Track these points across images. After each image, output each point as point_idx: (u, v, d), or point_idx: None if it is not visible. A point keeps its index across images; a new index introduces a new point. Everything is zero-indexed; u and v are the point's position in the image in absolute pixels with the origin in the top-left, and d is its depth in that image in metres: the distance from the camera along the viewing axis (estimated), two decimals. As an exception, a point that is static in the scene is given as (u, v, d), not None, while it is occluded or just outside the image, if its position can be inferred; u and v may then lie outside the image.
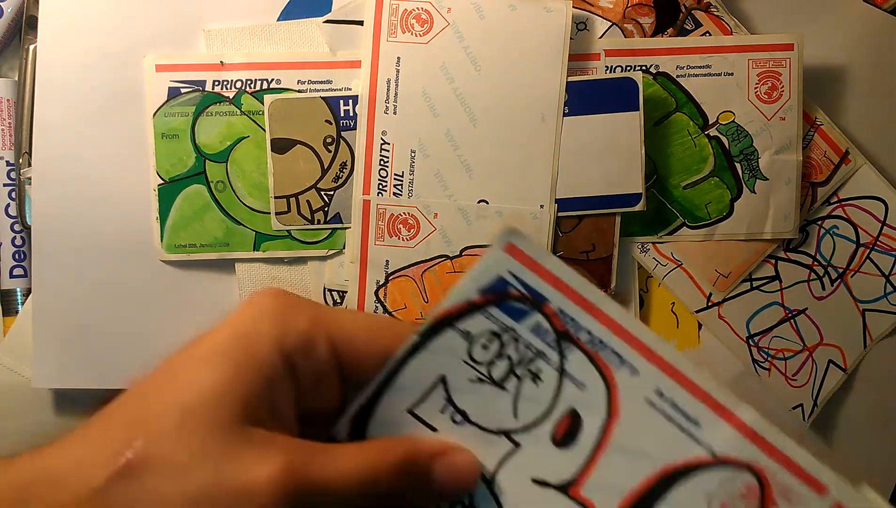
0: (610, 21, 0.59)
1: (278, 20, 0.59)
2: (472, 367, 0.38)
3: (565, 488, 0.38)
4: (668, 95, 0.59)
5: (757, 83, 0.59)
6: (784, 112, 0.59)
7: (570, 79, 0.56)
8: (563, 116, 0.56)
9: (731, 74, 0.59)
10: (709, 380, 0.37)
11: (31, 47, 0.58)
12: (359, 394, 0.37)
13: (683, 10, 0.60)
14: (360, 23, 0.57)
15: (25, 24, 0.59)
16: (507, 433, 0.38)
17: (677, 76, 0.59)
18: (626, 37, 0.60)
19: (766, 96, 0.59)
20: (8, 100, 0.59)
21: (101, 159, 0.58)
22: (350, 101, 0.56)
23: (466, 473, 0.37)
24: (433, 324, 0.37)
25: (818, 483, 0.36)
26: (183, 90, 0.57)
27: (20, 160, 0.59)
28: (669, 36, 0.60)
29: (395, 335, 0.37)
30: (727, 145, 0.59)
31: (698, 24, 0.60)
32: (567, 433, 0.38)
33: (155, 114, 0.57)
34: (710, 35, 0.60)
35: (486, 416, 0.38)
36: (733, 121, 0.59)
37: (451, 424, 0.38)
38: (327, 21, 0.57)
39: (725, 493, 0.36)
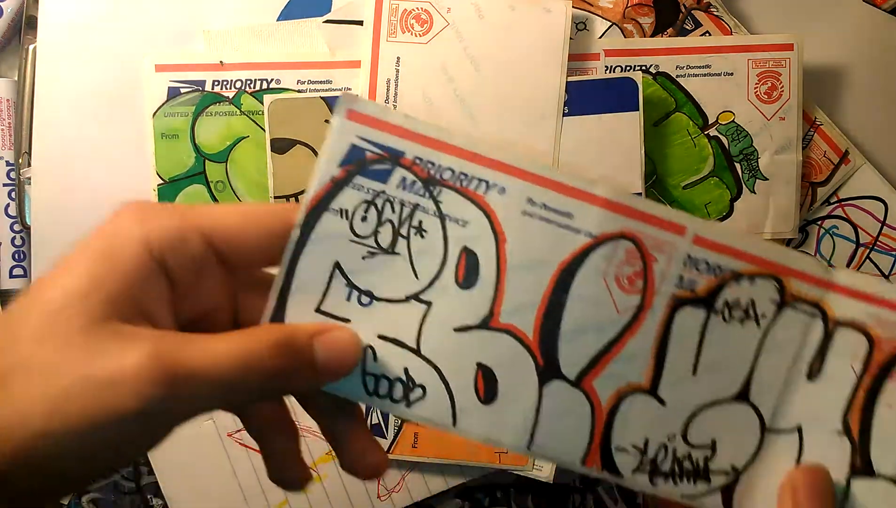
0: (610, 21, 0.59)
1: (278, 20, 0.59)
2: (359, 243, 0.39)
3: (486, 323, 0.39)
4: (667, 95, 0.59)
5: (757, 83, 0.59)
6: (784, 112, 0.58)
7: (570, 79, 0.56)
8: (563, 115, 0.56)
9: (731, 74, 0.59)
10: (562, 174, 0.39)
11: (31, 47, 0.58)
12: (265, 308, 0.38)
13: (683, 10, 0.60)
14: (360, 23, 0.57)
15: (25, 24, 0.59)
16: (415, 297, 0.39)
17: (677, 76, 0.59)
18: (625, 37, 0.60)
19: (765, 96, 0.58)
20: (8, 100, 0.59)
21: (100, 159, 0.58)
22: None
23: (347, 348, 0.37)
24: (308, 213, 0.38)
25: (677, 226, 0.40)
26: (182, 90, 0.57)
27: (20, 160, 0.59)
28: (669, 36, 0.60)
29: (274, 215, 0.37)
30: (727, 145, 0.59)
31: (698, 24, 0.60)
32: (468, 272, 0.39)
33: (154, 114, 0.57)
34: (710, 35, 0.60)
35: (389, 287, 0.39)
36: (733, 121, 0.59)
37: (361, 307, 0.39)
38: (327, 21, 0.58)
39: (613, 265, 0.40)
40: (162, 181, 0.57)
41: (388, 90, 0.56)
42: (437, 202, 0.39)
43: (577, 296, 0.40)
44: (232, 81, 0.57)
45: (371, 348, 0.39)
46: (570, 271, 0.40)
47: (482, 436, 0.40)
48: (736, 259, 0.40)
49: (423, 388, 0.39)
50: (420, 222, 0.39)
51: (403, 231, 0.39)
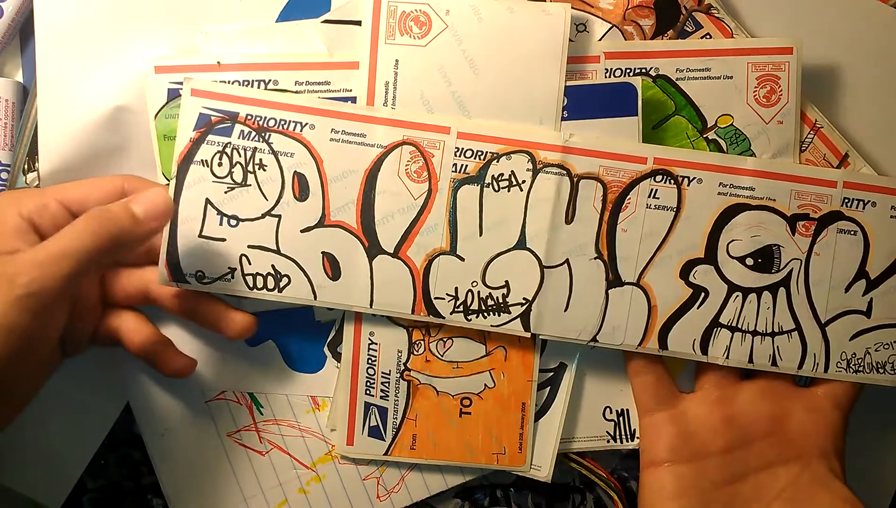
0: (610, 23, 0.59)
1: (277, 21, 0.59)
2: (220, 182, 0.55)
3: (322, 222, 0.55)
4: (667, 98, 0.58)
5: (756, 86, 0.58)
6: (782, 116, 0.58)
7: (569, 83, 0.56)
8: (562, 120, 0.56)
9: (731, 78, 0.58)
10: (351, 106, 0.55)
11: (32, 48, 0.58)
12: (161, 249, 0.54)
13: (684, 11, 0.60)
14: (359, 23, 0.57)
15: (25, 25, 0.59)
16: (268, 213, 0.55)
17: (677, 79, 0.58)
18: (626, 38, 0.59)
19: (764, 100, 0.58)
20: (7, 100, 0.59)
21: (103, 161, 0.58)
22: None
23: (156, 197, 0.50)
24: (178, 167, 0.54)
25: (442, 128, 0.54)
26: (182, 91, 0.57)
27: (24, 166, 0.59)
28: (670, 38, 0.60)
29: (108, 182, 0.54)
30: (725, 148, 0.59)
31: (699, 26, 0.60)
32: (301, 189, 0.55)
33: (156, 116, 0.57)
34: (711, 37, 0.60)
35: (249, 210, 0.55)
36: (732, 124, 0.58)
37: (231, 228, 0.55)
38: (325, 21, 0.57)
39: (403, 165, 0.55)
40: (168, 182, 0.57)
41: (386, 92, 0.56)
42: (269, 144, 0.54)
43: (382, 191, 0.55)
44: (230, 81, 0.57)
45: (245, 256, 0.55)
46: (373, 175, 0.55)
47: (337, 303, 0.56)
48: (494, 143, 0.54)
49: (288, 277, 0.55)
50: (260, 160, 0.55)
51: (250, 168, 0.54)
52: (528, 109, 0.56)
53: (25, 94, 0.60)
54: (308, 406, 0.61)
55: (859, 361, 0.55)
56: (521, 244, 0.55)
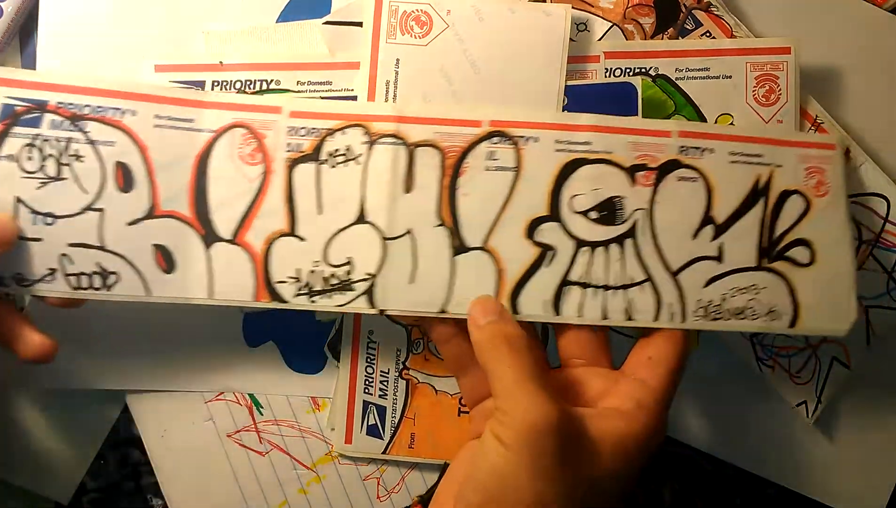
0: (610, 22, 0.59)
1: (277, 21, 0.59)
2: (31, 178, 0.51)
3: (151, 213, 0.52)
4: (667, 98, 0.59)
5: (755, 86, 0.59)
6: (781, 115, 0.58)
7: (570, 82, 0.56)
8: (562, 119, 0.56)
9: (730, 77, 0.59)
10: (176, 91, 0.53)
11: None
12: None
13: (684, 9, 0.60)
14: (360, 24, 0.57)
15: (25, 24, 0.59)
16: (88, 208, 0.51)
17: (676, 78, 0.59)
18: (626, 37, 0.59)
19: (763, 99, 0.58)
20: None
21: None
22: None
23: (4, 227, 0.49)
24: None
25: (274, 108, 0.53)
26: (182, 91, 0.57)
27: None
28: (670, 36, 0.60)
29: None
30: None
31: (699, 24, 0.60)
32: (125, 179, 0.51)
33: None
34: (711, 35, 0.60)
35: (66, 206, 0.51)
36: (731, 123, 0.59)
37: (47, 227, 0.51)
38: (327, 22, 0.57)
39: (235, 148, 0.52)
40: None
41: (387, 91, 0.56)
42: (85, 133, 0.51)
43: (215, 177, 0.52)
44: (231, 81, 0.57)
45: (66, 255, 0.51)
46: (204, 160, 0.52)
47: (173, 297, 0.52)
48: (327, 120, 0.53)
49: (116, 274, 0.51)
50: (77, 151, 0.51)
51: (64, 160, 0.51)
52: (528, 109, 0.56)
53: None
54: (308, 407, 0.61)
55: (717, 308, 0.53)
56: (361, 219, 0.52)
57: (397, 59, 0.56)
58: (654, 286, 0.53)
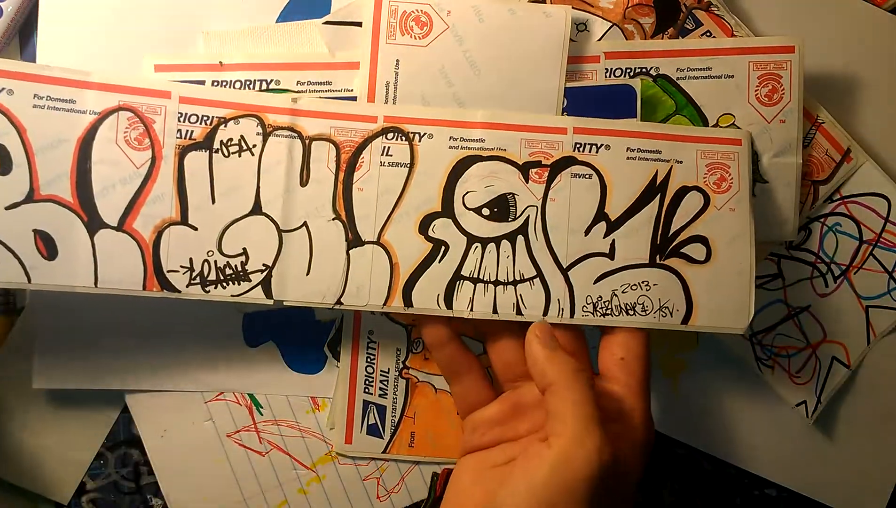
0: (610, 22, 0.59)
1: (277, 21, 0.59)
2: None
3: (30, 197, 0.50)
4: (668, 98, 0.58)
5: (757, 85, 0.58)
6: (784, 115, 0.58)
7: (569, 84, 0.56)
8: (562, 120, 0.56)
9: (732, 77, 0.58)
10: (56, 69, 0.51)
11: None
12: None
13: (684, 9, 0.60)
14: (360, 24, 0.57)
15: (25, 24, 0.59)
16: None
17: (678, 78, 0.58)
18: (626, 37, 0.59)
19: (766, 99, 0.58)
20: (7, 100, 0.59)
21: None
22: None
23: None
24: None
25: (161, 92, 0.52)
26: None
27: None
28: (670, 36, 0.60)
29: None
30: (727, 148, 0.59)
31: (699, 24, 0.60)
32: (2, 161, 0.50)
33: (155, 115, 0.56)
34: (711, 34, 0.60)
35: None
36: (733, 123, 0.58)
37: None
38: (326, 22, 0.57)
39: (121, 132, 0.51)
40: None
41: (386, 92, 0.56)
42: None
43: (99, 161, 0.51)
44: (231, 81, 0.57)
45: None
46: (87, 143, 0.51)
47: (56, 285, 0.51)
48: (220, 108, 0.52)
49: None
50: None
51: None
52: (527, 111, 0.56)
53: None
54: (308, 407, 0.61)
55: (606, 304, 0.54)
56: (256, 210, 0.53)
57: (397, 60, 0.56)
58: (543, 282, 0.54)
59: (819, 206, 0.63)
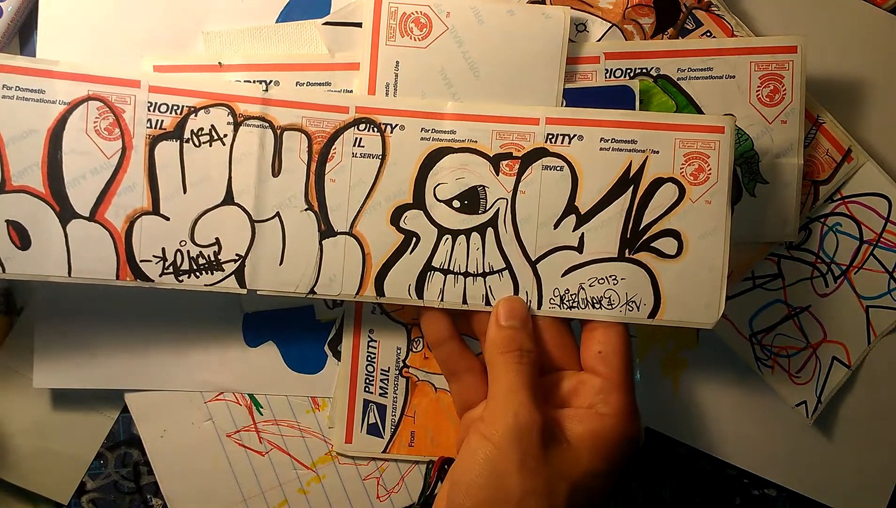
0: (610, 22, 0.59)
1: (277, 21, 0.59)
2: None
3: (2, 187, 0.51)
4: (668, 99, 0.58)
5: (759, 86, 0.58)
6: (786, 115, 0.58)
7: (568, 85, 0.56)
8: (561, 121, 0.56)
9: (733, 77, 0.58)
10: (23, 59, 0.51)
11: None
12: None
13: (684, 9, 0.60)
14: (359, 25, 0.56)
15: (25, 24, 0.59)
16: None
17: (678, 79, 0.58)
18: (626, 37, 0.59)
19: (767, 99, 0.58)
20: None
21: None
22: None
23: None
24: None
25: (131, 81, 0.52)
26: (181, 91, 0.56)
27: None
28: (670, 36, 0.60)
29: None
30: (727, 148, 0.58)
31: (699, 24, 0.60)
32: None
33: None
34: (711, 34, 0.60)
35: None
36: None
37: None
38: (326, 23, 0.57)
39: (91, 122, 0.52)
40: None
41: (386, 93, 0.55)
42: None
43: (70, 151, 0.51)
44: (232, 81, 0.57)
45: None
46: (58, 134, 0.51)
47: (30, 275, 0.52)
48: (190, 97, 0.52)
49: None
50: None
51: None
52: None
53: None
54: (308, 407, 0.61)
55: (573, 297, 0.54)
56: (228, 200, 0.53)
57: (397, 62, 0.55)
58: (512, 274, 0.54)
59: (819, 206, 0.63)
